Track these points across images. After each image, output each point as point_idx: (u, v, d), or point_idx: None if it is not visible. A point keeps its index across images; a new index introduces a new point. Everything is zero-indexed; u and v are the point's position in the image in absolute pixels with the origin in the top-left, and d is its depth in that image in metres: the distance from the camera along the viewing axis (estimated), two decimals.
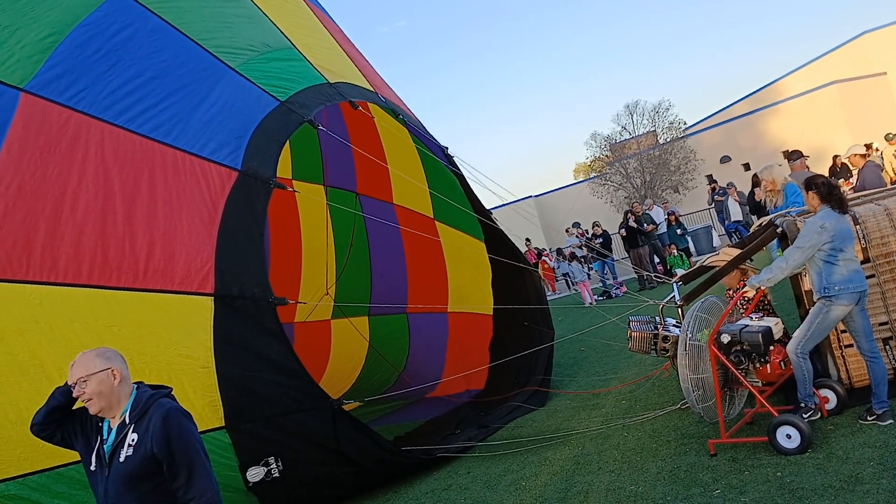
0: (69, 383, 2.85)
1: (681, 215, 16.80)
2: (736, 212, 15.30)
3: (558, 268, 19.27)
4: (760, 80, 65.75)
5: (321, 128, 5.80)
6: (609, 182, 31.32)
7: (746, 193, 12.76)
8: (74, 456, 4.43)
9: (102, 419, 2.92)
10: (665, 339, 5.64)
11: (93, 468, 2.87)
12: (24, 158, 4.59)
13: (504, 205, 10.22)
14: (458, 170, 7.86)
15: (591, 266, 16.64)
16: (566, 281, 19.61)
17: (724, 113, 33.18)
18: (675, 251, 15.05)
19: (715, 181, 17.92)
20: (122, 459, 2.77)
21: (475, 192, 8.03)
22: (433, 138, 7.81)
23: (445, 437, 6.56)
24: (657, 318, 5.80)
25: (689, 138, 31.24)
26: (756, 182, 10.40)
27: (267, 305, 4.90)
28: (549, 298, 8.97)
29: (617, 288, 15.21)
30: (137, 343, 4.57)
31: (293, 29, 6.67)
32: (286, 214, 9.35)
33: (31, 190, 4.57)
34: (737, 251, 5.43)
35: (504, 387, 7.67)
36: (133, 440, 2.78)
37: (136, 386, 2.95)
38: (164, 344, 4.53)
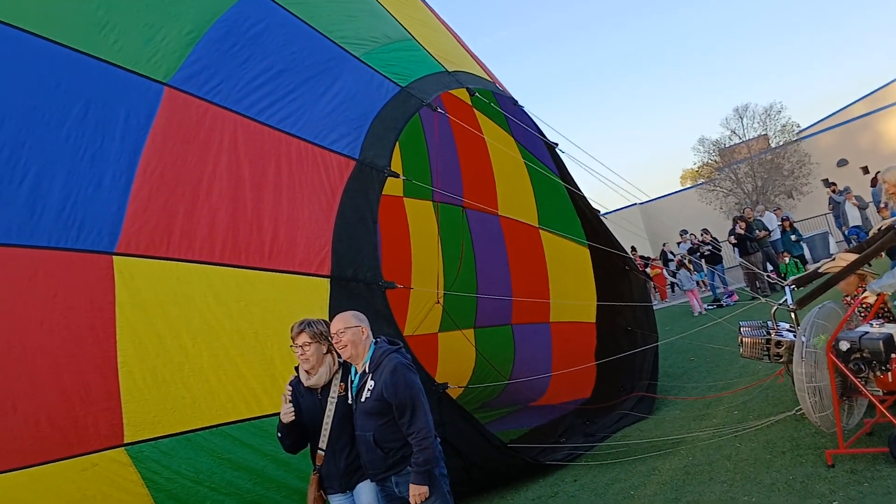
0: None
1: (795, 221, 16.06)
2: (854, 217, 14.52)
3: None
4: (879, 79, 61.58)
5: (440, 111, 6.02)
6: (718, 188, 30.26)
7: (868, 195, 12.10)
8: (204, 423, 4.89)
9: (350, 365, 3.78)
10: (778, 344, 5.46)
11: (349, 401, 3.77)
12: (166, 148, 5.01)
13: (609, 213, 10.21)
14: (566, 169, 7.86)
15: (700, 273, 16.15)
16: (673, 288, 19.13)
17: (840, 114, 31.28)
18: (788, 258, 14.41)
19: (833, 183, 17.00)
20: (362, 399, 3.62)
21: (583, 193, 8.03)
22: (542, 135, 7.85)
23: (550, 445, 6.55)
24: (769, 322, 5.63)
25: (803, 141, 29.70)
26: (874, 182, 9.89)
27: (378, 289, 5.12)
28: (658, 307, 8.82)
29: (728, 296, 14.70)
30: (262, 317, 4.90)
31: (412, 22, 6.95)
32: (397, 228, 9.69)
33: (172, 176, 4.98)
34: (854, 256, 5.19)
35: (610, 394, 7.60)
36: (371, 386, 3.59)
37: (374, 342, 3.75)
38: (286, 319, 4.79)
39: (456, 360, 9.88)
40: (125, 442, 4.80)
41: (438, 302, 9.88)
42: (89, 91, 4.98)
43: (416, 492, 3.46)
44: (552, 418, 7.71)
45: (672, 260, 17.41)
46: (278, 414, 3.82)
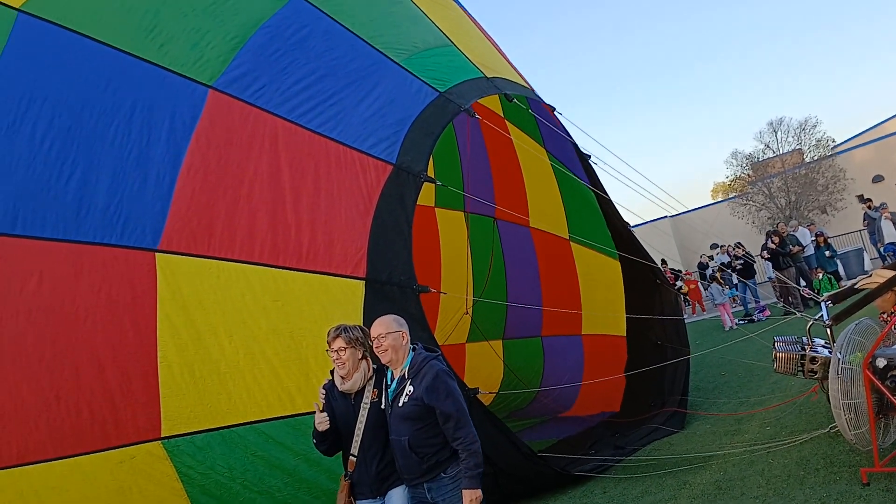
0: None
1: (829, 237, 15.83)
2: (890, 233, 14.30)
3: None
4: None
5: (478, 117, 6.07)
6: (751, 202, 29.89)
7: None
8: (238, 419, 4.98)
9: (387, 369, 3.82)
10: (813, 360, 5.40)
11: (382, 406, 3.80)
12: (210, 149, 5.13)
13: (639, 224, 10.18)
14: (598, 180, 7.86)
15: (731, 287, 15.98)
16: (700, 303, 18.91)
17: (876, 130, 30.69)
18: (822, 274, 14.21)
19: (869, 199, 16.73)
20: (400, 404, 3.65)
21: (614, 205, 8.01)
22: (575, 145, 7.86)
23: (580, 457, 6.53)
24: (804, 338, 5.58)
25: (839, 157, 29.19)
26: None
27: (412, 292, 5.18)
28: (688, 321, 8.76)
29: (760, 311, 14.54)
30: (297, 317, 4.98)
31: (452, 28, 7.03)
32: (428, 238, 9.76)
33: (214, 177, 5.09)
34: (891, 273, 5.13)
35: (640, 409, 7.56)
36: (409, 391, 3.63)
37: (412, 347, 3.79)
38: (321, 319, 4.90)
39: (483, 371, 9.90)
40: (162, 436, 4.91)
41: (467, 312, 9.91)
42: (137, 92, 5.13)
43: (473, 496, 3.49)
44: (581, 430, 7.67)
45: (710, 269, 17.20)
46: (311, 414, 3.87)
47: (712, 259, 18.03)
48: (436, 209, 9.93)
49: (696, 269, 18.96)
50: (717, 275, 15.38)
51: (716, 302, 14.65)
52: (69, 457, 4.92)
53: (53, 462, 4.93)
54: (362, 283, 5.06)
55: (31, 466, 4.93)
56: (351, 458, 3.83)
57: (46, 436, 4.87)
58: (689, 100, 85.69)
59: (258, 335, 4.96)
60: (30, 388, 4.85)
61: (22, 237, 4.91)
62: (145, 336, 4.89)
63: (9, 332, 4.86)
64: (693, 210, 34.11)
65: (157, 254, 4.94)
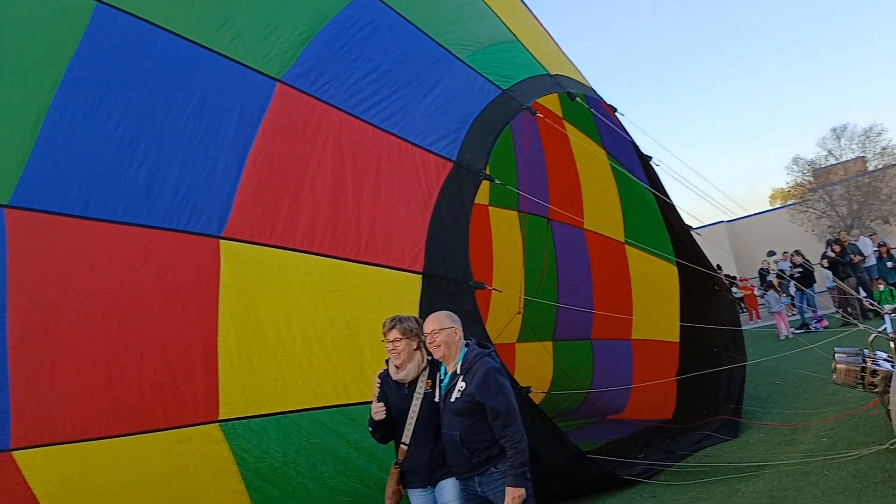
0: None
1: (892, 248, 15.32)
2: None
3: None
4: None
5: (539, 115, 6.08)
6: (811, 209, 29.14)
7: None
8: (293, 406, 5.09)
9: (438, 363, 3.89)
10: (874, 373, 5.27)
11: (435, 398, 3.87)
12: (276, 141, 5.25)
13: (694, 228, 10.04)
14: (659, 183, 7.76)
15: (787, 298, 15.60)
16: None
17: None
18: (883, 286, 13.78)
19: None
20: (452, 399, 3.70)
21: (675, 208, 7.91)
22: (635, 146, 7.77)
23: (629, 460, 6.47)
24: (866, 350, 5.44)
25: None
26: None
27: (467, 288, 5.21)
28: (743, 328, 8.60)
29: (817, 321, 14.16)
30: (355, 307, 5.07)
31: (516, 24, 7.03)
32: (480, 237, 9.76)
33: (279, 168, 5.21)
34: None
35: (691, 416, 7.45)
36: (461, 387, 3.68)
37: (465, 344, 3.84)
38: (377, 311, 4.96)
39: (533, 372, 9.87)
40: (220, 418, 5.05)
41: (519, 312, 9.90)
42: (208, 83, 5.27)
43: (515, 494, 3.50)
44: (630, 433, 7.61)
45: (770, 275, 16.77)
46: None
47: (776, 264, 17.55)
48: (489, 207, 9.95)
49: (757, 275, 18.49)
50: (775, 282, 15.02)
51: (772, 310, 14.33)
52: (130, 434, 5.10)
53: (114, 439, 5.12)
54: (419, 277, 5.12)
55: (93, 442, 5.13)
56: (402, 446, 3.90)
57: (110, 412, 5.06)
58: (748, 101, 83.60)
59: (316, 324, 5.06)
60: (95, 364, 5.04)
61: (93, 219, 5.10)
62: (207, 320, 5.03)
63: (77, 309, 5.06)
64: (751, 216, 33.35)
65: (221, 241, 5.07)
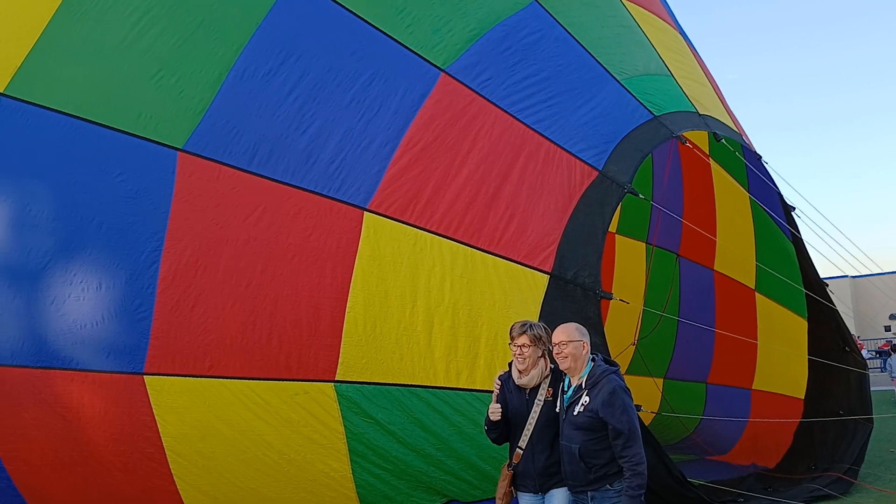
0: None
1: None
2: None
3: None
4: None
5: (688, 143, 6.04)
6: None
7: None
8: (406, 380, 5.24)
9: (562, 374, 3.92)
10: None
11: (556, 408, 3.91)
12: (431, 125, 5.49)
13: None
14: (798, 233, 7.49)
15: None
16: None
17: None
18: None
19: None
20: (574, 413, 3.72)
21: (812, 262, 7.59)
22: (780, 195, 7.54)
23: (730, 492, 6.29)
24: None
25: None
26: None
27: (594, 296, 5.22)
28: None
29: None
30: (478, 296, 5.18)
31: (673, 59, 7.06)
32: (603, 263, 9.61)
33: (430, 152, 5.44)
34: None
35: (799, 469, 7.14)
36: (585, 402, 3.69)
37: (592, 358, 3.85)
38: (499, 303, 5.08)
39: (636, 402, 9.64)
40: (336, 379, 5.27)
41: (633, 343, 9.71)
42: (378, 63, 5.59)
43: None
44: (730, 477, 7.33)
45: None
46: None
47: None
48: (616, 235, 9.85)
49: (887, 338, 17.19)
50: None
51: (893, 375, 13.50)
52: (252, 378, 5.40)
53: (237, 380, 5.42)
54: (546, 276, 5.18)
55: (218, 379, 5.47)
56: (518, 450, 3.94)
57: (238, 354, 5.37)
58: (881, 153, 77.57)
59: (439, 306, 5.21)
60: (233, 308, 5.38)
61: (254, 174, 5.46)
62: (340, 285, 5.28)
63: (226, 254, 5.43)
64: (878, 274, 30.91)
65: (365, 212, 5.33)
